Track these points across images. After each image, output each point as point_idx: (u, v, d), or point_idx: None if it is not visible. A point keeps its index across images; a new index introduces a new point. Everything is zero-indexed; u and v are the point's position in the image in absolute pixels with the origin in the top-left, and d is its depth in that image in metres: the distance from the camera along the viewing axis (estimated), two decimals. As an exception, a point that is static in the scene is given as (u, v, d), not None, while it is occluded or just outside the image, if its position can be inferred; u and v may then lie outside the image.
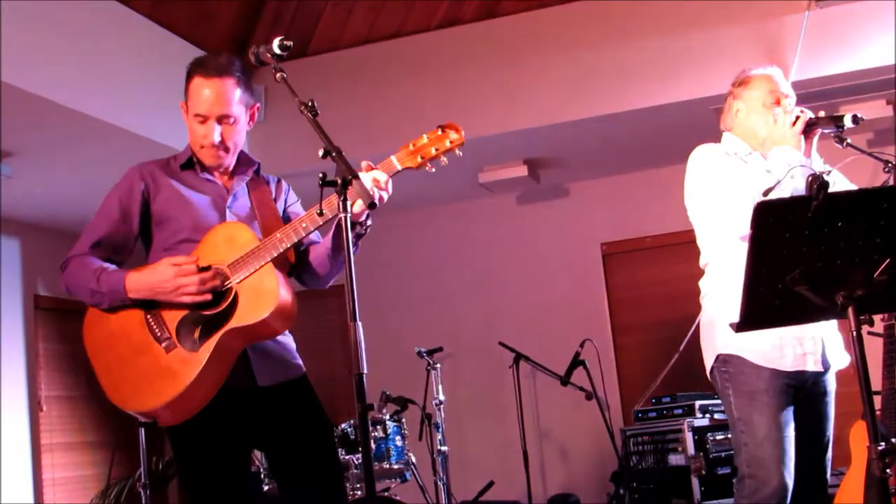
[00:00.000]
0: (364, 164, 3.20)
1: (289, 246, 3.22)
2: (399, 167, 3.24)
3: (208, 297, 3.21)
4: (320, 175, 2.83)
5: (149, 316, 3.27)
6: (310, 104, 2.99)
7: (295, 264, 3.45)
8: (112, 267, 3.33)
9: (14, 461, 7.38)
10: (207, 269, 3.24)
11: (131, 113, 6.30)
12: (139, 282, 3.24)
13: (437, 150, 3.23)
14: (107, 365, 3.32)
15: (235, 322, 3.18)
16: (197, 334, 3.20)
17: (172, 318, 3.25)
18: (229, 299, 3.21)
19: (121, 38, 6.37)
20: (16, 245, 7.72)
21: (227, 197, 3.44)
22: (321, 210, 2.99)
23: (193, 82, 3.39)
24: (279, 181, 3.63)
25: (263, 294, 3.19)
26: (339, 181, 2.80)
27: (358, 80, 7.42)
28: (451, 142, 3.24)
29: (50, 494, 7.68)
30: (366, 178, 3.14)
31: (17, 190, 6.80)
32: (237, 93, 3.40)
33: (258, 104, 3.59)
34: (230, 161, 3.47)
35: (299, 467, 3.36)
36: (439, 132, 3.24)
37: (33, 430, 7.62)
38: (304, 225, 3.22)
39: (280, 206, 3.54)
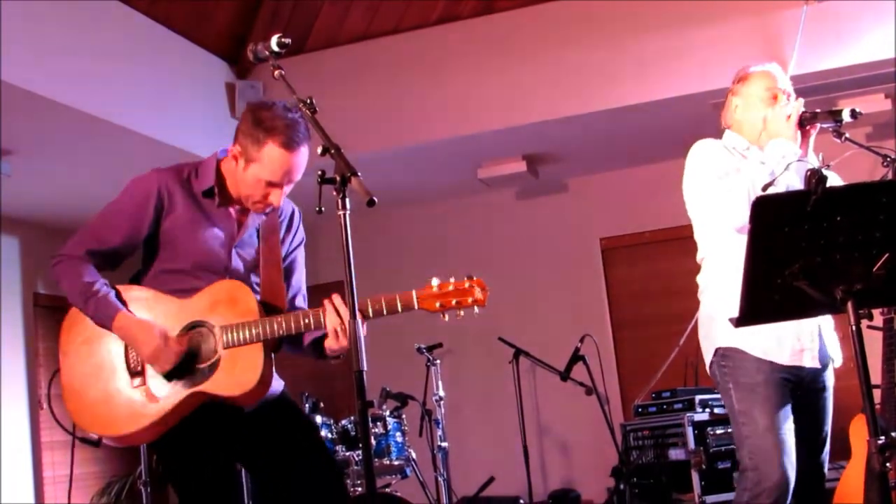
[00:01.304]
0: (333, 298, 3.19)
1: (283, 335, 3.21)
2: (417, 306, 3.24)
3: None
4: (319, 172, 2.83)
5: None
6: (308, 101, 2.99)
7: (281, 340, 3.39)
8: (104, 290, 3.24)
9: (14, 459, 7.38)
10: (194, 326, 3.22)
11: (130, 111, 6.29)
12: (126, 327, 3.20)
13: (458, 302, 3.22)
14: (72, 371, 3.30)
15: (207, 387, 3.18)
16: (170, 381, 3.20)
17: None
18: (212, 360, 3.20)
19: (120, 36, 6.36)
20: (15, 243, 7.72)
21: (236, 237, 3.36)
22: (320, 209, 2.99)
23: (270, 147, 3.19)
24: (292, 215, 3.52)
25: (245, 372, 3.17)
26: (338, 178, 2.79)
27: (356, 77, 7.41)
28: (473, 300, 3.23)
29: (50, 492, 7.68)
30: (329, 310, 3.18)
31: (16, 188, 6.79)
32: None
33: None
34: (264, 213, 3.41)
35: (291, 467, 3.34)
36: (466, 285, 3.23)
37: (33, 429, 7.62)
38: (306, 321, 3.20)
39: (285, 249, 3.47)
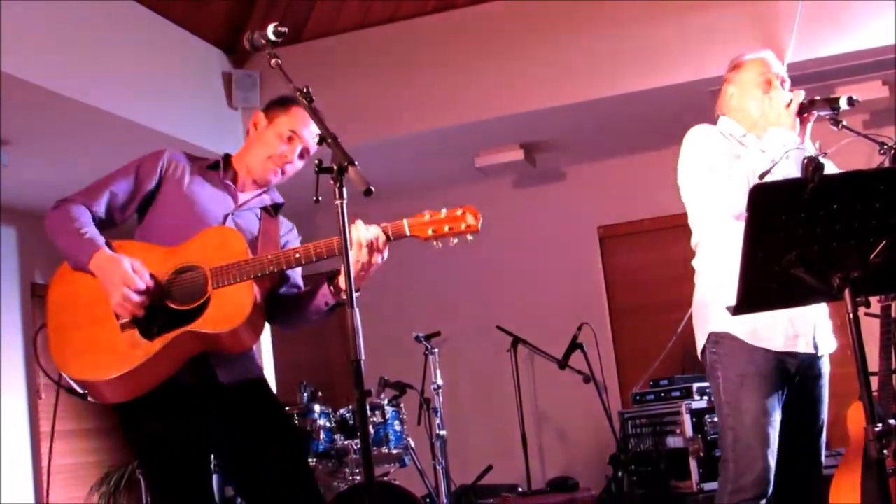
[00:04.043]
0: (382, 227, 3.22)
1: (275, 270, 3.22)
2: (408, 233, 3.22)
3: (128, 318, 3.19)
4: (316, 162, 2.83)
5: None
6: (305, 90, 2.99)
7: (272, 301, 3.41)
8: (91, 231, 3.29)
9: (13, 449, 7.39)
10: (185, 270, 3.23)
11: (127, 101, 6.29)
12: (100, 266, 3.21)
13: (450, 229, 3.19)
14: (60, 325, 3.30)
15: (197, 326, 3.17)
16: (157, 323, 3.19)
17: None
18: (201, 301, 3.19)
19: (117, 26, 6.35)
20: (13, 233, 7.71)
21: (233, 206, 3.45)
22: (317, 198, 2.99)
23: (296, 110, 3.46)
24: (292, 228, 3.64)
25: (234, 308, 3.17)
26: (335, 168, 2.79)
27: (353, 66, 7.41)
28: (466, 226, 3.19)
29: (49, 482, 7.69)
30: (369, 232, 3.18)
31: (14, 178, 6.79)
32: None
33: None
34: (273, 182, 3.54)
35: (260, 467, 3.32)
36: (458, 212, 3.20)
37: (32, 418, 7.63)
38: (297, 255, 3.21)
39: (282, 241, 3.54)
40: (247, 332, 3.22)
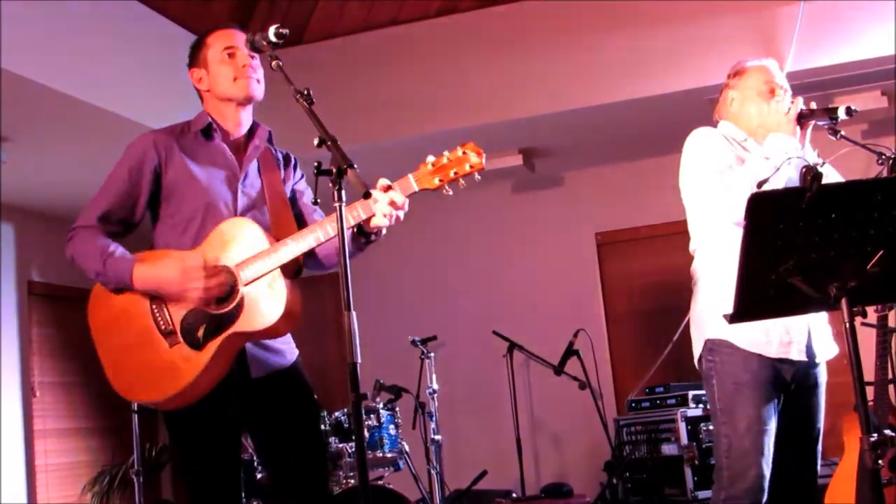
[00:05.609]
0: (381, 183, 3.17)
1: (299, 254, 3.21)
2: (416, 188, 3.20)
3: (214, 300, 3.21)
4: (315, 164, 2.83)
5: (154, 306, 3.27)
6: (305, 93, 2.97)
7: (301, 265, 3.41)
8: (119, 250, 3.30)
9: (7, 447, 7.38)
10: (214, 269, 3.23)
11: (127, 99, 6.29)
12: (146, 276, 3.24)
13: (456, 172, 3.18)
14: (110, 349, 3.33)
15: (239, 326, 3.19)
16: (201, 332, 3.20)
17: (177, 311, 3.25)
18: (235, 301, 3.20)
19: (117, 25, 6.36)
20: (10, 231, 7.71)
21: (239, 175, 3.42)
22: (316, 200, 2.99)
23: (211, 37, 3.48)
24: (287, 157, 3.61)
25: (269, 302, 3.18)
26: (335, 170, 2.79)
27: (353, 69, 7.41)
28: (471, 165, 3.18)
29: (43, 481, 7.68)
30: (383, 199, 3.14)
31: (11, 175, 6.79)
32: None
33: None
34: (258, 93, 3.46)
35: (285, 457, 3.36)
36: (460, 153, 3.19)
37: (26, 417, 7.62)
38: (315, 237, 3.20)
39: (288, 188, 3.52)
40: (286, 323, 3.24)
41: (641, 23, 6.89)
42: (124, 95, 6.28)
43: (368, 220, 3.22)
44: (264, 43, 3.09)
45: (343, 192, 2.82)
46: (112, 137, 6.41)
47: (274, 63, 3.06)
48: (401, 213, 3.20)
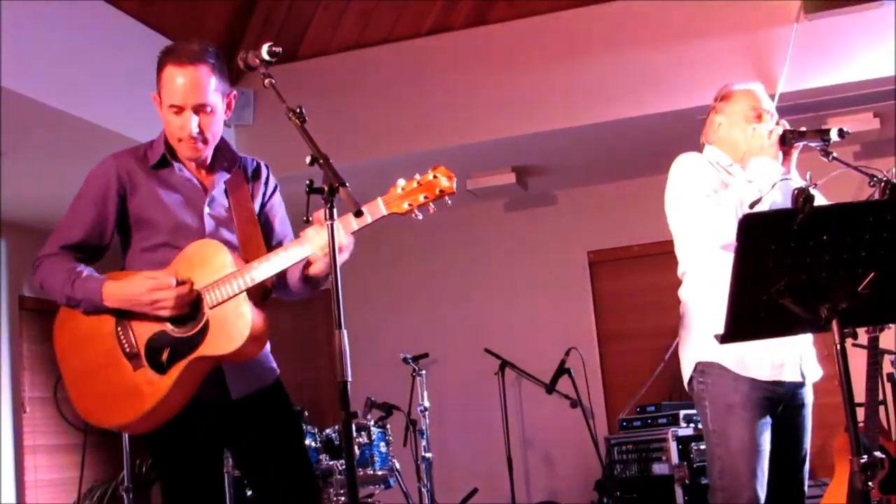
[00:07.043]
0: (317, 215, 3.03)
1: (264, 278, 3.14)
2: (385, 212, 3.10)
3: (186, 309, 3.15)
4: (307, 182, 2.82)
5: (119, 328, 3.21)
6: (297, 110, 2.96)
7: (270, 287, 3.34)
8: (86, 271, 3.24)
9: (-3, 463, 7.36)
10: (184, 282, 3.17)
11: (120, 115, 6.28)
12: (115, 292, 3.17)
13: (426, 197, 3.09)
14: (73, 371, 3.28)
15: (204, 350, 3.12)
16: (165, 356, 3.14)
17: (142, 333, 3.18)
18: (200, 324, 3.14)
19: (110, 41, 6.36)
20: (2, 246, 7.70)
21: (204, 197, 3.33)
22: (308, 217, 2.97)
23: (166, 71, 3.29)
24: (257, 168, 3.49)
25: (234, 326, 3.11)
26: (326, 188, 2.78)
27: (347, 86, 7.42)
28: (441, 190, 3.09)
29: (32, 496, 7.65)
30: (320, 234, 3.05)
31: (4, 191, 6.78)
32: (212, 81, 3.27)
33: (234, 92, 3.44)
34: (208, 153, 3.34)
35: (271, 477, 3.32)
36: (431, 177, 3.11)
37: (17, 432, 7.59)
38: (281, 259, 3.12)
39: (257, 204, 3.43)
40: (252, 345, 3.17)
41: (636, 43, 6.91)
42: (118, 112, 6.27)
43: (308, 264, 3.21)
44: (257, 61, 3.07)
45: (335, 211, 2.81)
46: (104, 153, 6.40)
47: (266, 81, 3.04)
48: (346, 255, 3.10)
